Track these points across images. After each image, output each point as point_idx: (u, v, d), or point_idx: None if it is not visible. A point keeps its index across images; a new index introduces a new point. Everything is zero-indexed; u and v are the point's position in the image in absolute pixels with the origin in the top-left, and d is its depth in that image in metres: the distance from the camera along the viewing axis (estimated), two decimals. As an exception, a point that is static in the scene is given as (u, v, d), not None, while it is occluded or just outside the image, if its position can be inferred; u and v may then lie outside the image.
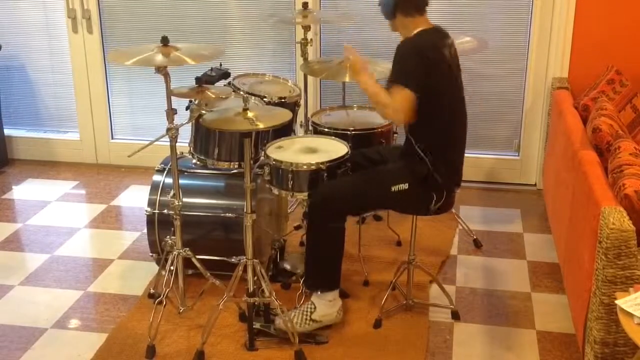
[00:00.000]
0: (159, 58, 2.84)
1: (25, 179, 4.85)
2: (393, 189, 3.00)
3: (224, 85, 3.45)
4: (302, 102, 3.79)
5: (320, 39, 4.60)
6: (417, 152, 3.01)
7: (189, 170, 3.45)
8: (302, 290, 3.32)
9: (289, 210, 3.90)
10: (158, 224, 3.37)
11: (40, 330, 3.20)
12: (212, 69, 3.19)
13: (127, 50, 3.06)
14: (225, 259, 3.31)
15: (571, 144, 3.33)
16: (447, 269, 3.69)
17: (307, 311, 3.07)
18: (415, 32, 2.96)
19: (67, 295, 3.47)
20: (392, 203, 3.18)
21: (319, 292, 3.08)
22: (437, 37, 3.00)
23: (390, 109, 2.93)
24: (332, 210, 3.00)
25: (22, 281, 3.59)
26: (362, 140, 3.46)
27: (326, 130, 3.51)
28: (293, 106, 3.61)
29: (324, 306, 3.08)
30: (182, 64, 2.85)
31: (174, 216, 3.08)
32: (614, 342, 2.58)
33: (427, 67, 2.89)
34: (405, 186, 3.00)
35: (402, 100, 2.87)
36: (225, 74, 3.22)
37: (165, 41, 2.90)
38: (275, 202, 3.62)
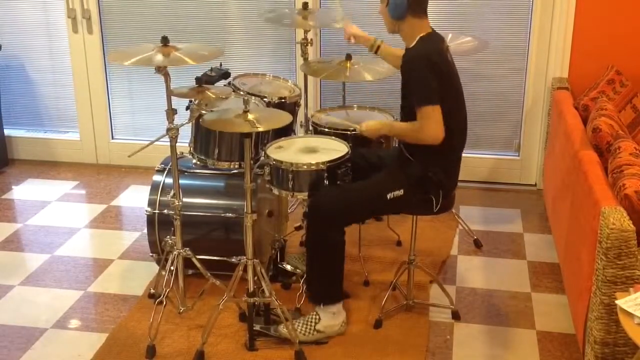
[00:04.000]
0: (159, 58, 2.84)
1: (25, 179, 4.85)
2: (389, 197, 2.98)
3: (224, 85, 3.45)
4: (302, 102, 3.79)
5: (320, 39, 4.60)
6: (408, 155, 3.01)
7: (189, 170, 3.45)
8: (302, 290, 3.32)
9: (289, 210, 3.90)
10: (158, 224, 3.37)
11: (40, 330, 3.20)
12: (212, 69, 3.18)
13: (127, 50, 3.05)
14: (225, 259, 3.31)
15: (571, 144, 3.33)
16: (447, 269, 3.69)
17: (311, 321, 3.06)
18: (417, 37, 2.95)
19: (67, 295, 3.47)
20: (391, 209, 3.17)
21: (322, 305, 3.08)
22: (440, 41, 3.00)
23: (424, 132, 2.90)
24: (330, 224, 2.97)
25: (22, 281, 3.59)
26: (361, 141, 3.46)
27: (326, 130, 3.51)
28: (293, 106, 3.61)
29: (328, 318, 3.07)
30: (182, 64, 2.85)
31: (174, 216, 3.08)
32: (614, 342, 2.58)
33: (438, 74, 2.88)
34: (401, 192, 2.99)
35: (434, 118, 2.86)
36: (225, 74, 3.22)
37: (165, 41, 2.91)
38: (276, 202, 3.62)
